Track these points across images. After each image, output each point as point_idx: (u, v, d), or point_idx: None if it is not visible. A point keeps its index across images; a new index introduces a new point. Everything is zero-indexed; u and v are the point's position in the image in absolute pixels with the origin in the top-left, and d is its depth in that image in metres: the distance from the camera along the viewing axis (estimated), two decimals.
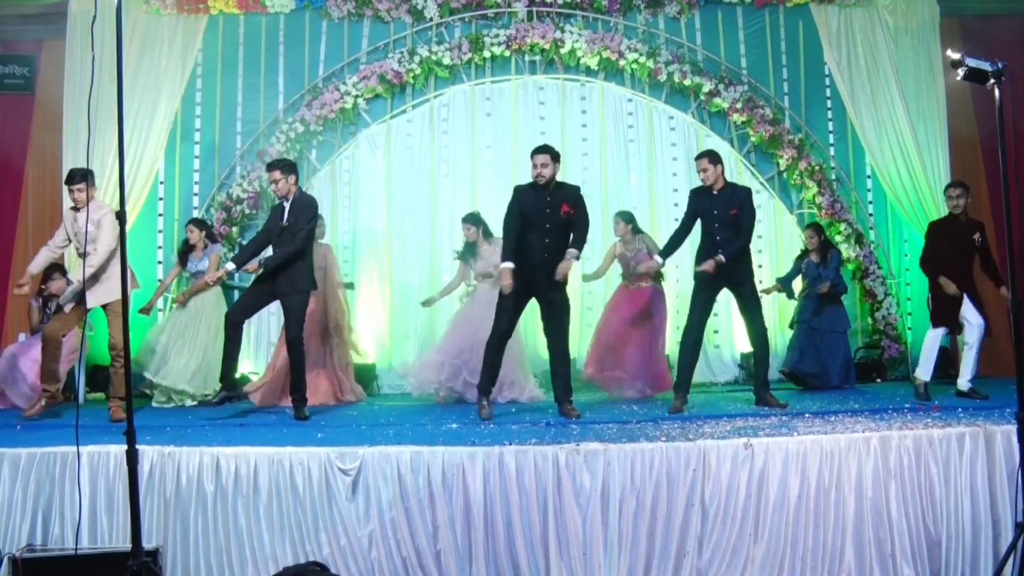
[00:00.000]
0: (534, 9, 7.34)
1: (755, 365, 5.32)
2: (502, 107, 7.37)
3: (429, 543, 3.65)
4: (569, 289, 5.00)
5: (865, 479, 3.74)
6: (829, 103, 7.57)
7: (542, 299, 4.90)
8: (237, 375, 5.59)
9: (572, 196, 4.85)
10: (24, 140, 7.24)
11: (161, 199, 7.28)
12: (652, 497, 3.67)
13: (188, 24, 7.18)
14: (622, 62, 7.25)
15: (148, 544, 3.42)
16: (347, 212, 7.31)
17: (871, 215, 7.54)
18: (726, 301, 6.12)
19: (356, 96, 7.16)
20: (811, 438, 3.82)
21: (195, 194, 7.26)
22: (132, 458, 2.88)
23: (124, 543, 3.46)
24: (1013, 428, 3.60)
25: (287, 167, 5.20)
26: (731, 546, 3.69)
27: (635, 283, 6.07)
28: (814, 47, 7.47)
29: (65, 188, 5.17)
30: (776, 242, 7.41)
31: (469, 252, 6.13)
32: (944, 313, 5.45)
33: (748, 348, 5.70)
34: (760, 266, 7.01)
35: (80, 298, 5.03)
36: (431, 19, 7.28)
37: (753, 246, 7.04)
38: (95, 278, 5.00)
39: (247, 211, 7.06)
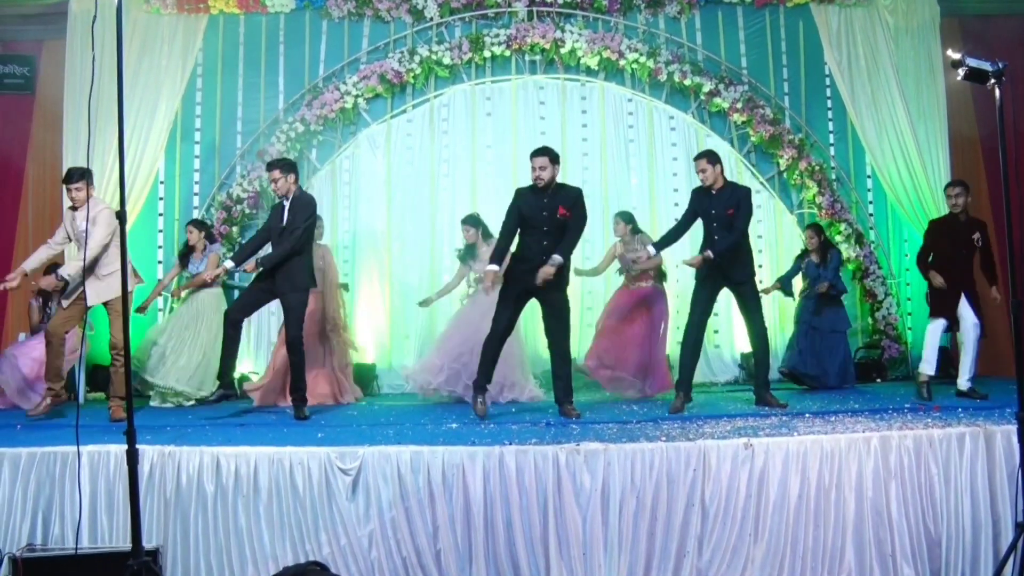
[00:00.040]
0: (534, 9, 7.34)
1: (755, 365, 5.32)
2: (502, 107, 7.37)
3: (429, 543, 3.65)
4: (569, 289, 5.00)
5: (865, 479, 3.75)
6: (829, 103, 7.57)
7: (541, 300, 4.90)
8: (236, 374, 5.60)
9: (570, 199, 4.83)
10: (24, 140, 7.24)
11: (161, 199, 7.29)
12: (652, 497, 3.67)
13: (188, 24, 7.18)
14: (622, 62, 7.25)
15: (148, 544, 3.42)
16: (347, 212, 7.31)
17: (871, 215, 7.54)
18: (726, 301, 6.12)
19: (356, 96, 7.16)
20: (811, 438, 3.82)
21: (195, 194, 7.27)
22: (132, 458, 2.88)
23: (124, 543, 3.46)
24: (1013, 428, 3.60)
25: (286, 166, 5.20)
26: (731, 546, 3.69)
27: (635, 283, 6.07)
28: (814, 47, 7.47)
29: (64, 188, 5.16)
30: (776, 242, 7.41)
31: (469, 254, 6.13)
32: (939, 304, 5.47)
33: (748, 348, 5.70)
34: (760, 266, 7.00)
35: (81, 294, 5.02)
36: (431, 19, 7.28)
37: (753, 246, 7.06)
38: (93, 274, 5.00)
39: (247, 211, 7.06)
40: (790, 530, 3.70)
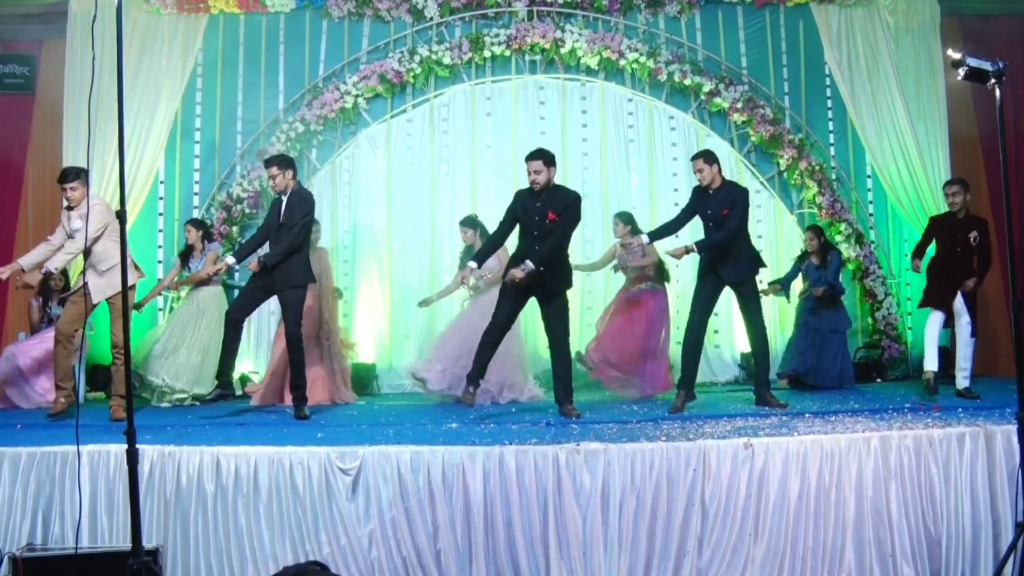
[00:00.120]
0: (534, 9, 7.34)
1: (755, 365, 5.32)
2: (502, 107, 7.37)
3: (429, 543, 3.65)
4: (569, 290, 5.00)
5: (865, 479, 3.74)
6: (829, 103, 7.57)
7: (541, 300, 4.92)
8: (236, 374, 5.61)
9: (561, 203, 4.81)
10: (24, 140, 7.24)
11: (161, 199, 7.29)
12: (652, 497, 3.67)
13: (188, 23, 7.18)
14: (622, 62, 7.25)
15: (148, 543, 3.41)
16: (347, 212, 7.31)
17: (871, 215, 7.54)
18: (726, 301, 6.11)
19: (356, 96, 7.16)
20: (811, 438, 3.82)
21: (195, 193, 7.27)
22: (132, 457, 2.88)
23: (124, 542, 3.46)
24: (1013, 428, 3.60)
25: (284, 162, 5.19)
26: (731, 546, 3.69)
27: (635, 284, 6.07)
28: (814, 47, 7.47)
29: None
30: (776, 242, 7.41)
31: (468, 256, 6.13)
32: (932, 295, 5.53)
33: (748, 348, 5.70)
34: (765, 265, 6.99)
35: (83, 290, 5.02)
36: (431, 19, 7.28)
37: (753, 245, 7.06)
38: (93, 270, 4.99)
39: (247, 210, 7.06)
40: (790, 530, 3.70)
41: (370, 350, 7.14)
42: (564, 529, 3.64)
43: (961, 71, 3.44)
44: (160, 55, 7.08)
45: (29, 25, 7.30)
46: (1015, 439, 3.50)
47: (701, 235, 5.24)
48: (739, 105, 7.23)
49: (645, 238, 5.25)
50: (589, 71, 7.37)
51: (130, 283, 4.52)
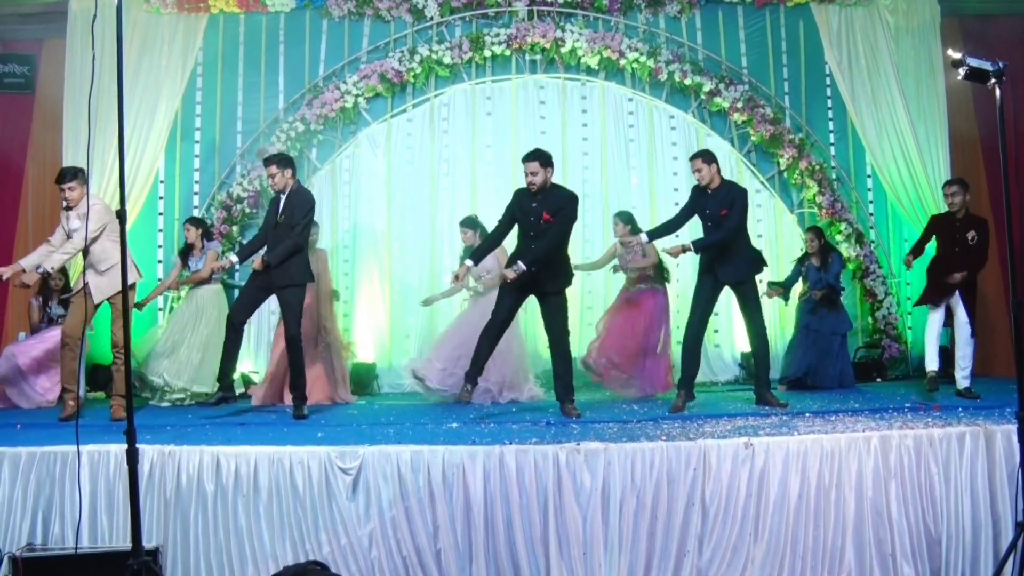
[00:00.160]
0: (535, 8, 7.34)
1: (755, 364, 5.33)
2: (503, 106, 7.37)
3: (429, 542, 3.65)
4: (569, 289, 5.01)
5: (865, 478, 3.74)
6: (829, 102, 7.57)
7: (540, 299, 4.93)
8: (236, 374, 5.60)
9: (556, 204, 4.81)
10: (24, 139, 7.24)
11: (161, 198, 7.29)
12: (652, 496, 3.67)
13: (188, 23, 7.18)
14: (623, 61, 7.25)
15: (148, 543, 3.41)
16: (347, 211, 7.31)
17: (871, 214, 7.54)
18: (726, 301, 6.12)
19: (356, 95, 7.16)
20: (811, 437, 3.82)
21: (195, 193, 7.27)
22: (132, 457, 2.88)
23: (124, 542, 3.46)
24: (1013, 428, 3.60)
25: (283, 161, 5.20)
26: (731, 545, 3.69)
27: (636, 285, 6.07)
28: (815, 46, 7.47)
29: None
30: (776, 241, 7.41)
31: (467, 257, 6.13)
32: (929, 292, 5.59)
33: (748, 347, 5.70)
34: (767, 265, 6.99)
35: (84, 291, 5.01)
36: (432, 18, 7.28)
37: (754, 246, 7.05)
38: (93, 270, 4.99)
39: (247, 210, 7.06)
40: (790, 529, 3.70)
41: (370, 350, 7.14)
42: (564, 529, 3.64)
43: (961, 71, 3.45)
44: (160, 55, 7.08)
45: (29, 25, 7.30)
46: (1015, 438, 3.50)
47: (700, 234, 5.25)
48: (739, 105, 7.23)
49: (644, 237, 5.25)
50: (589, 71, 7.37)
51: (129, 283, 4.52)
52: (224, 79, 7.27)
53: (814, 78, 7.54)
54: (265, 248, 5.15)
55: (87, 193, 5.00)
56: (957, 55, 3.44)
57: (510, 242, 5.11)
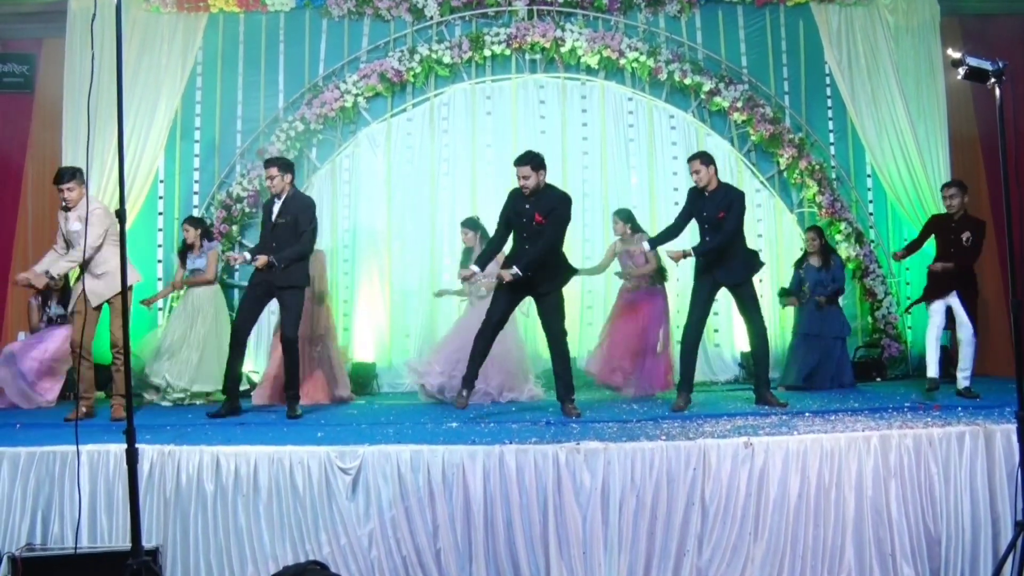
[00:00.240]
0: (535, 8, 7.33)
1: (755, 364, 5.33)
2: (502, 106, 7.37)
3: (429, 542, 3.65)
4: (569, 289, 5.01)
5: (865, 478, 3.75)
6: (829, 102, 7.57)
7: (536, 300, 4.95)
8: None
9: (548, 206, 4.81)
10: (24, 139, 7.24)
11: (161, 198, 7.28)
12: (652, 496, 3.67)
13: (188, 22, 7.17)
14: (622, 61, 7.25)
15: (148, 543, 3.41)
16: (347, 211, 7.31)
17: (871, 214, 7.54)
18: (726, 301, 6.12)
19: (356, 95, 7.15)
20: (811, 437, 3.82)
21: (195, 192, 7.26)
22: (132, 457, 2.87)
23: (124, 542, 3.46)
24: (1013, 427, 3.60)
25: (284, 165, 5.24)
26: (731, 545, 3.69)
27: (635, 284, 6.07)
28: (814, 46, 7.47)
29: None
30: (776, 241, 7.41)
31: (467, 257, 6.14)
32: (926, 292, 5.65)
33: (748, 347, 5.70)
34: (764, 263, 6.98)
35: (82, 296, 5.01)
36: (431, 18, 7.28)
37: (753, 246, 7.04)
38: (89, 273, 4.98)
39: (247, 209, 7.05)
40: (790, 529, 3.70)
41: (370, 349, 7.14)
42: (564, 528, 3.64)
43: (961, 70, 3.44)
44: (160, 54, 7.07)
45: (28, 24, 7.29)
46: (1015, 438, 3.50)
47: (698, 235, 5.25)
48: (739, 104, 7.23)
49: (646, 245, 5.27)
50: (589, 70, 7.37)
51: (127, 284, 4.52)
52: (224, 78, 7.26)
53: (814, 78, 7.54)
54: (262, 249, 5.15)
55: (86, 194, 5.00)
56: (957, 55, 3.44)
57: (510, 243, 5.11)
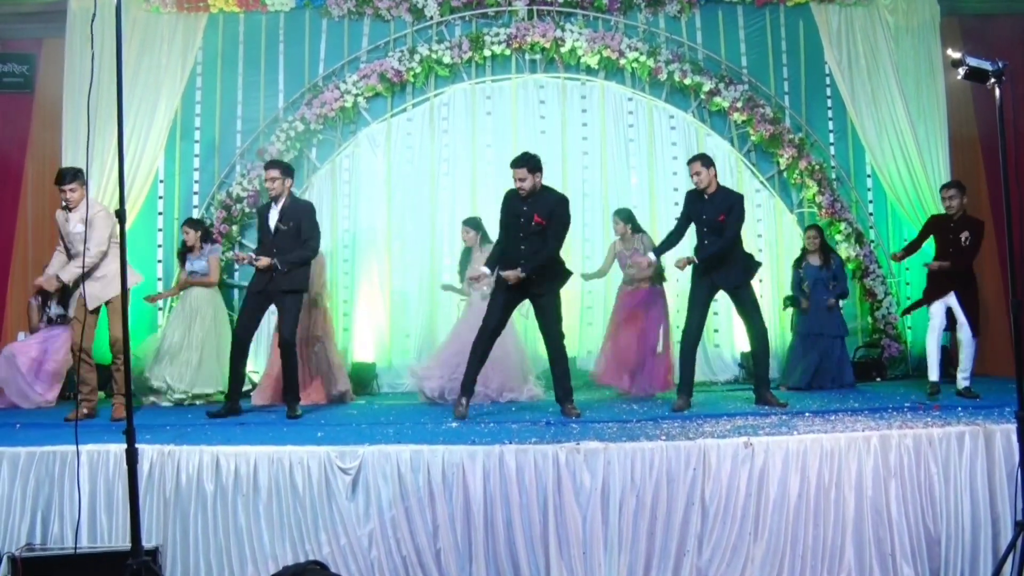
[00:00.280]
0: (534, 8, 7.33)
1: (755, 364, 5.33)
2: (502, 106, 7.36)
3: (429, 542, 3.65)
4: (569, 289, 5.01)
5: (865, 478, 3.75)
6: (829, 102, 7.56)
7: (533, 302, 4.96)
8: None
9: (546, 207, 4.82)
10: (24, 139, 7.24)
11: (161, 198, 7.28)
12: (652, 496, 3.67)
13: (188, 22, 7.17)
14: (622, 61, 7.25)
15: (148, 543, 3.41)
16: (347, 211, 7.31)
17: (871, 214, 7.54)
18: (726, 301, 6.12)
19: (356, 95, 7.15)
20: (811, 437, 3.82)
21: (195, 192, 7.26)
22: (132, 457, 2.87)
23: (124, 542, 3.46)
24: (1013, 427, 3.60)
25: (287, 169, 5.29)
26: (731, 545, 3.69)
27: (635, 284, 6.07)
28: (814, 46, 7.47)
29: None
30: (776, 241, 7.41)
31: (467, 257, 6.14)
32: (925, 293, 5.67)
33: (748, 347, 5.71)
34: (760, 264, 6.98)
35: (81, 299, 5.01)
36: (431, 18, 7.28)
37: (753, 246, 7.05)
38: (92, 278, 4.98)
39: (247, 209, 7.04)
40: (790, 529, 3.70)
41: (370, 349, 7.14)
42: (564, 528, 3.64)
43: (961, 70, 3.44)
44: (160, 54, 7.07)
45: (28, 24, 7.29)
46: (1014, 438, 3.50)
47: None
48: (739, 104, 7.23)
49: (652, 256, 5.30)
50: (589, 70, 7.37)
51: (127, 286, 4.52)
52: (224, 78, 7.26)
53: (814, 78, 7.54)
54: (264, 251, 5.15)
55: (86, 195, 4.99)
56: (957, 55, 3.44)
57: None
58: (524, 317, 5.96)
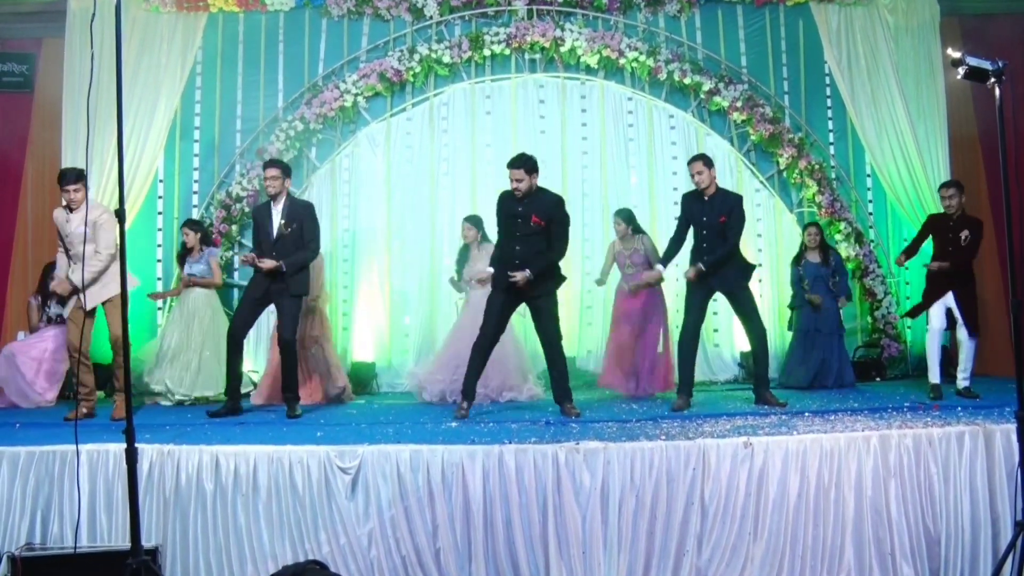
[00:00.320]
0: (534, 7, 7.33)
1: (754, 364, 5.33)
2: (502, 105, 7.36)
3: (428, 542, 3.65)
4: (569, 289, 5.01)
5: (865, 478, 3.75)
6: (829, 102, 7.56)
7: (529, 304, 4.95)
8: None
9: (545, 208, 4.83)
10: (23, 138, 7.23)
11: (160, 197, 7.27)
12: (652, 496, 3.67)
13: (187, 22, 7.17)
14: (622, 60, 7.25)
15: (147, 543, 3.41)
16: (347, 211, 7.30)
17: (871, 214, 7.53)
18: (726, 301, 6.12)
19: (356, 94, 7.15)
20: (811, 437, 3.82)
21: (195, 192, 7.25)
22: (131, 456, 2.88)
23: (123, 542, 3.46)
24: (1012, 427, 3.60)
25: (286, 168, 5.30)
26: (731, 545, 3.69)
27: (633, 284, 6.06)
28: (814, 46, 7.47)
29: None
30: (776, 241, 7.40)
31: (465, 254, 6.14)
32: (925, 294, 5.66)
33: (747, 347, 5.71)
34: (760, 264, 7.00)
35: (78, 300, 5.00)
36: (431, 17, 7.27)
37: (753, 245, 7.05)
38: (96, 281, 4.98)
39: (247, 209, 7.03)
40: (790, 529, 3.71)
41: (369, 349, 7.13)
42: (564, 528, 3.64)
43: (961, 70, 3.44)
44: (159, 53, 7.06)
45: (28, 23, 7.28)
46: (1014, 438, 3.50)
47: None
48: (739, 104, 7.23)
49: (661, 267, 5.37)
50: (589, 70, 7.36)
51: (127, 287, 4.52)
52: (223, 78, 7.26)
53: (814, 78, 7.54)
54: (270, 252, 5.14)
55: (87, 197, 4.99)
56: (957, 54, 3.44)
57: None
58: (523, 317, 5.95)
